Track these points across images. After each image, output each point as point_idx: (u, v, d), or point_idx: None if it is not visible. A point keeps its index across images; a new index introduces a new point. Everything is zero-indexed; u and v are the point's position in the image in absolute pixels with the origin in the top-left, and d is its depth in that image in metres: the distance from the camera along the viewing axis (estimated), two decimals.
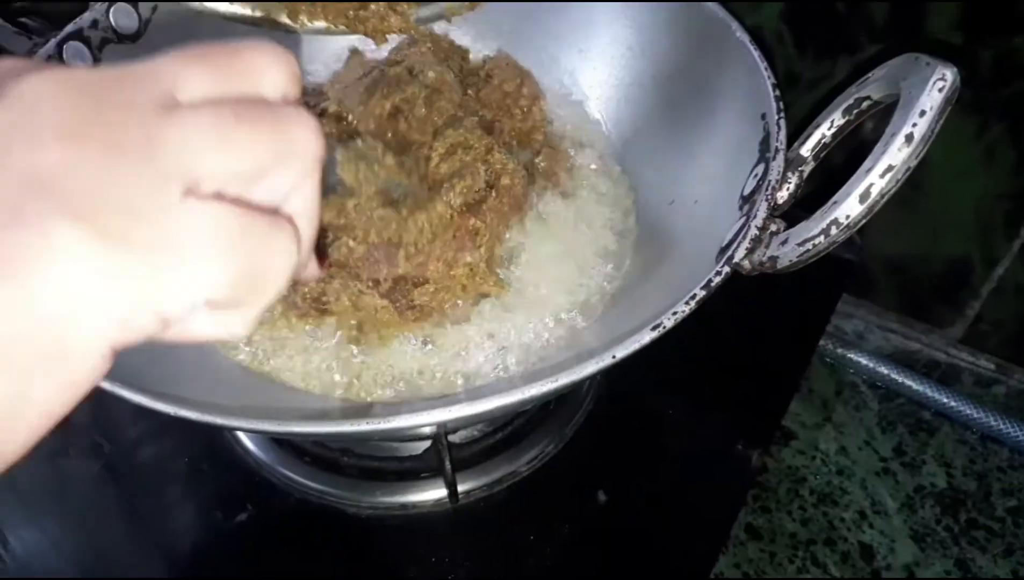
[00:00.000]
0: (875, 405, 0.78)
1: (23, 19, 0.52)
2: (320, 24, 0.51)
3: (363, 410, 0.47)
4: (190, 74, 0.22)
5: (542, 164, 0.56)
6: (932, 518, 0.70)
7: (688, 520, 0.56)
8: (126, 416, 0.60)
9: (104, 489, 0.57)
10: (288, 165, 0.23)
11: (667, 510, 0.57)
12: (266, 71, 0.24)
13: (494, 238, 0.49)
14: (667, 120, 0.58)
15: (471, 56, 0.62)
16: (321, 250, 0.27)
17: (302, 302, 0.50)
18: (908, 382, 0.78)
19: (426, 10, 0.51)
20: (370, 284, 0.48)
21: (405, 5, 0.51)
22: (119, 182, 0.20)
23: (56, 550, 0.54)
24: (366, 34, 0.51)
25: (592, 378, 0.60)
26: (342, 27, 0.51)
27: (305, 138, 0.24)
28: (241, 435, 0.58)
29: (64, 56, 0.52)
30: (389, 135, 0.52)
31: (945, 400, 0.77)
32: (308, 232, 0.25)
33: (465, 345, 0.49)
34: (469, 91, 0.57)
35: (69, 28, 0.53)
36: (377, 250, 0.46)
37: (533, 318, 0.50)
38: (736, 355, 0.66)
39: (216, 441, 0.58)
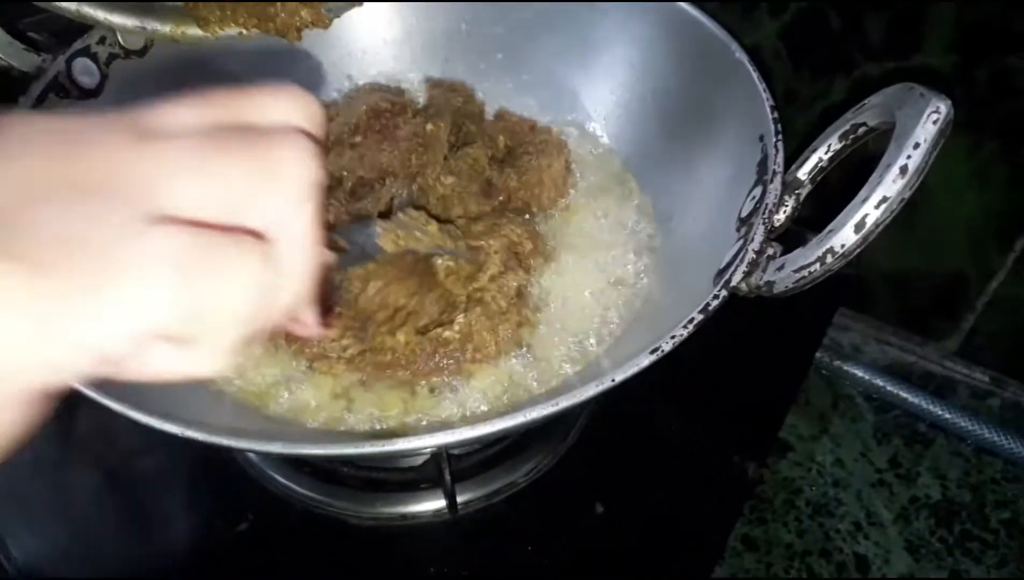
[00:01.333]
0: (871, 417, 0.79)
1: (31, 34, 0.52)
2: (232, 30, 0.51)
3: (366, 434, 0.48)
4: (181, 108, 0.22)
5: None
6: (926, 529, 0.71)
7: (685, 531, 0.57)
8: (126, 427, 0.60)
9: (105, 499, 0.58)
10: (271, 190, 0.22)
11: (664, 521, 0.57)
12: (275, 107, 0.23)
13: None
14: (667, 137, 0.59)
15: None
16: (327, 304, 0.25)
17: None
18: (904, 394, 0.79)
19: None
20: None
21: None
22: (65, 216, 0.19)
23: (58, 559, 0.54)
24: (278, 32, 0.51)
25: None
26: (254, 29, 0.51)
27: (293, 161, 0.22)
28: None
29: (72, 72, 0.53)
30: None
31: (940, 412, 0.78)
32: (299, 265, 0.23)
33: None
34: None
35: (77, 44, 0.53)
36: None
37: (548, 347, 0.50)
38: (733, 368, 0.66)
39: (218, 452, 0.59)
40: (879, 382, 0.79)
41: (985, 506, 0.73)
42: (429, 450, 0.40)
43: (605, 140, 0.63)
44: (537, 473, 0.58)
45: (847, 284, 0.75)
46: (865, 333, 0.81)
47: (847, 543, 0.70)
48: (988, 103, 0.64)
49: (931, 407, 0.78)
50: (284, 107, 0.23)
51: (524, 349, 0.49)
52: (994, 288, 0.74)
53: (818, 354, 0.80)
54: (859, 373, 0.80)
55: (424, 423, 0.47)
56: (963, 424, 0.77)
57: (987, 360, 0.78)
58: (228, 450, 0.58)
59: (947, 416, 0.77)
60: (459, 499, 0.56)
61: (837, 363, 0.80)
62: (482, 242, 0.49)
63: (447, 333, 0.47)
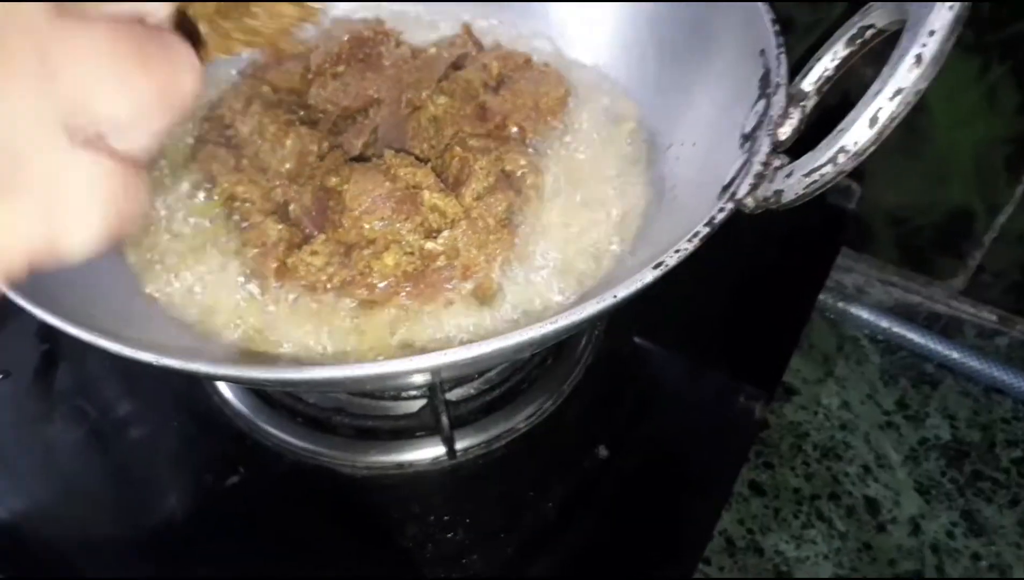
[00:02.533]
0: (877, 359, 0.77)
1: None
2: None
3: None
4: None
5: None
6: (937, 470, 0.69)
7: (692, 474, 0.55)
8: (110, 381, 0.58)
9: (91, 455, 0.56)
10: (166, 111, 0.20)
11: (670, 465, 0.55)
12: None
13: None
14: (663, 63, 0.57)
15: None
16: None
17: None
18: (910, 335, 0.77)
19: None
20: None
21: None
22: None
23: (45, 519, 0.53)
24: (269, 43, 0.45)
25: (593, 325, 0.59)
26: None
27: (187, 71, 0.20)
28: (231, 397, 0.56)
29: None
30: None
31: (948, 352, 0.76)
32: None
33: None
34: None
35: None
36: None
37: (545, 278, 0.48)
38: (736, 310, 0.65)
39: (205, 404, 0.57)
40: (884, 323, 0.77)
41: (995, 446, 0.71)
42: (422, 372, 0.38)
43: (600, 70, 0.60)
44: (538, 418, 0.56)
45: (849, 223, 0.73)
46: (869, 274, 0.79)
47: (856, 486, 0.68)
48: (994, 25, 0.62)
49: (938, 347, 0.76)
50: None
51: (518, 274, 0.47)
52: (1002, 223, 0.72)
53: (822, 296, 0.78)
54: (864, 314, 0.78)
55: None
56: (971, 364, 0.75)
57: (994, 298, 0.76)
58: (217, 379, 0.56)
59: (955, 356, 0.75)
60: (458, 446, 0.54)
61: (841, 305, 0.78)
62: (468, 156, 0.47)
63: (429, 244, 0.44)
